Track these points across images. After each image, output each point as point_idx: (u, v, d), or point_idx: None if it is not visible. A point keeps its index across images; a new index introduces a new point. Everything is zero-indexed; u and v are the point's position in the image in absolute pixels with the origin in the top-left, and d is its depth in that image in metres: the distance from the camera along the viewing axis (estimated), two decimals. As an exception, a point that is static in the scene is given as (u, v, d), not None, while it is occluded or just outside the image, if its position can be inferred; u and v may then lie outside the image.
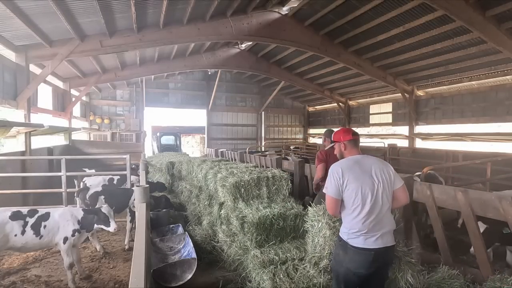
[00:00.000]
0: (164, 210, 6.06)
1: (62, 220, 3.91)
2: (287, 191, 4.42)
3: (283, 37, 11.13)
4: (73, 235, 3.88)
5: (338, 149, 2.70)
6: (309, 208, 3.14)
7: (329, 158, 4.02)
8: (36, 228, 3.78)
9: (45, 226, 3.82)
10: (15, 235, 3.69)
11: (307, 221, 3.09)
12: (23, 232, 3.71)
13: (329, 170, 2.48)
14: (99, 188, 5.60)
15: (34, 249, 4.05)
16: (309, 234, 3.06)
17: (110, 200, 5.20)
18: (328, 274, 2.88)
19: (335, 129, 3.04)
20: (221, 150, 13.20)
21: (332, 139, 2.85)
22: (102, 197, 5.33)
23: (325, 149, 4.17)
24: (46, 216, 3.89)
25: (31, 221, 3.79)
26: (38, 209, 4.00)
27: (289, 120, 22.82)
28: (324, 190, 2.52)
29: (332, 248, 2.74)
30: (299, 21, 11.28)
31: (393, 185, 2.45)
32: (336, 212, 2.47)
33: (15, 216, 3.77)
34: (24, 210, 3.94)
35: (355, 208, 2.35)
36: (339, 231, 2.55)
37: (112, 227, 4.00)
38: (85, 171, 7.92)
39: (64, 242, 3.84)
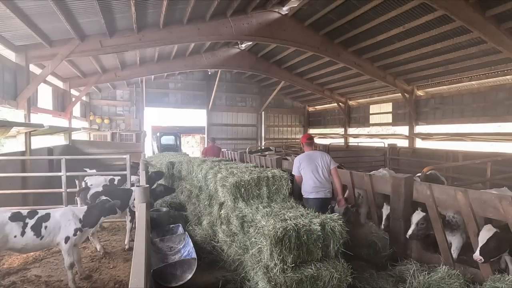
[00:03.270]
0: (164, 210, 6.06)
1: (64, 219, 3.91)
2: (287, 191, 4.41)
3: (283, 37, 11.12)
4: (75, 235, 3.89)
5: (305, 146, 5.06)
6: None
7: (207, 150, 10.04)
8: (36, 229, 3.77)
9: (45, 227, 3.82)
10: (15, 236, 3.68)
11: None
12: (22, 234, 3.71)
13: (294, 160, 5.00)
14: (100, 188, 5.60)
15: (35, 250, 4.05)
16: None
17: (112, 200, 5.21)
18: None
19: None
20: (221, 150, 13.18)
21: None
22: (103, 197, 5.33)
23: (205, 147, 10.53)
24: (46, 217, 3.88)
25: (31, 222, 3.79)
26: (38, 210, 3.99)
27: (289, 120, 22.79)
28: (292, 172, 4.91)
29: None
30: (299, 21, 11.27)
31: (329, 167, 4.73)
32: (299, 182, 4.84)
33: (14, 217, 3.76)
34: (24, 211, 3.93)
35: (306, 179, 4.72)
36: None
37: (120, 211, 4.44)
38: (86, 171, 7.92)
39: (66, 242, 3.85)
